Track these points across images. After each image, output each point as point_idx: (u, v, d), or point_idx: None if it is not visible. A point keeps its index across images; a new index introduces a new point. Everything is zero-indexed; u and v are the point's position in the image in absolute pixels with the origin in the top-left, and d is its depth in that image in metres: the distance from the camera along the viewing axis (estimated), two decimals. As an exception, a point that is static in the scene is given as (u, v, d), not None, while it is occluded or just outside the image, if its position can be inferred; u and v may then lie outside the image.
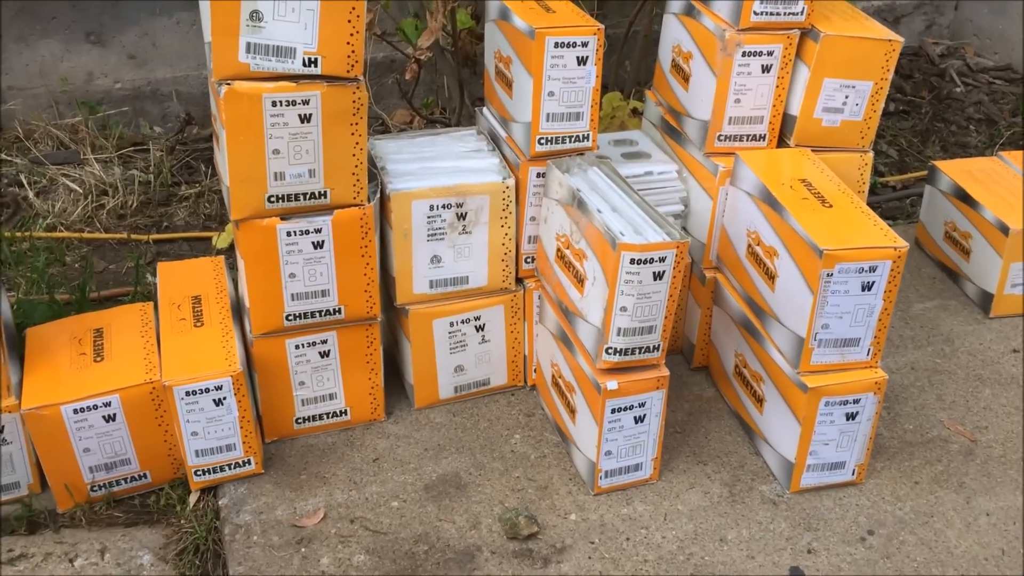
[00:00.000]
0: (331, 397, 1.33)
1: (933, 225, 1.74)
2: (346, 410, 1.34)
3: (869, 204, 2.03)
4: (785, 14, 1.28)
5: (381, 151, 1.34)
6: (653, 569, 1.15)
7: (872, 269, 1.12)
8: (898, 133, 2.40)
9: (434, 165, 1.31)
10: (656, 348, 1.17)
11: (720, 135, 1.36)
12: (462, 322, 1.34)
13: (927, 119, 2.49)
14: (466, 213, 1.27)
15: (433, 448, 1.33)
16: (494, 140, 1.37)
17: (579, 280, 1.19)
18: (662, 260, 1.11)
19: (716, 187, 1.35)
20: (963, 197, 1.63)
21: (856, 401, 1.19)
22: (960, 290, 1.67)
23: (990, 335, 1.56)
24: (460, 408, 1.40)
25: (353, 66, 1.11)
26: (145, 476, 1.25)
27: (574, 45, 1.21)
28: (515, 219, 1.30)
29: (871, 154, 1.39)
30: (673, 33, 1.43)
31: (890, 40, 1.30)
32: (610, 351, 1.15)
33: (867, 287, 1.13)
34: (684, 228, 1.44)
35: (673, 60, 1.44)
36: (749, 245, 1.28)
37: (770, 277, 1.23)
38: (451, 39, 1.77)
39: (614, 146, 1.49)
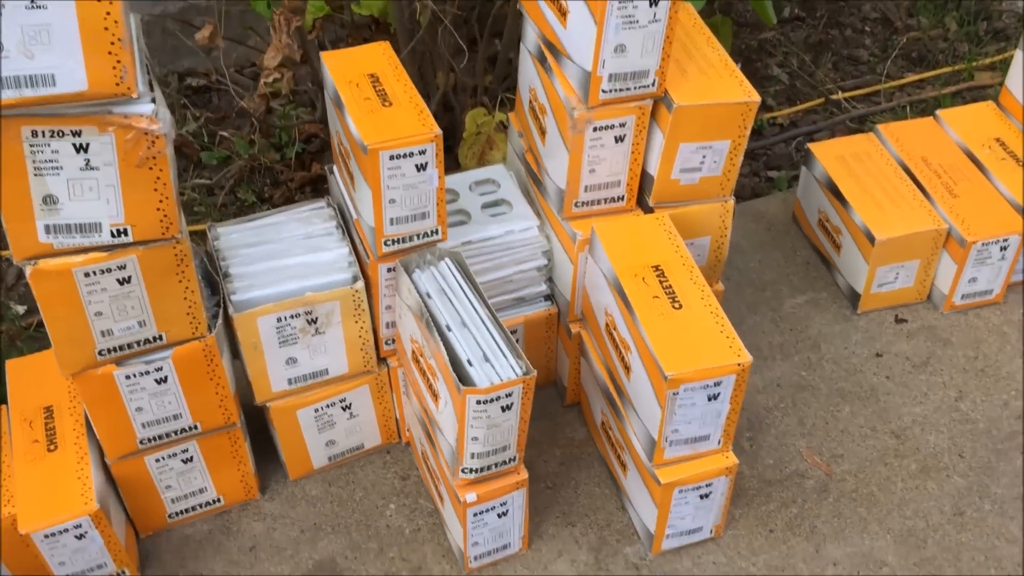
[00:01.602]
0: (201, 491, 1.33)
1: (808, 208, 1.73)
2: (219, 499, 1.36)
3: (755, 149, 2.01)
4: (636, 88, 1.21)
5: (225, 246, 1.28)
6: (520, 661, 1.22)
7: (717, 384, 1.13)
8: (790, 49, 2.33)
9: (280, 264, 1.26)
10: (512, 460, 1.19)
11: (577, 202, 1.31)
12: (327, 406, 1.34)
13: (821, 26, 2.42)
14: (316, 318, 1.24)
15: (310, 529, 1.36)
16: (343, 217, 1.32)
17: (434, 394, 1.19)
18: (509, 395, 1.10)
19: (575, 253, 1.32)
20: (835, 191, 1.62)
21: (708, 485, 1.23)
22: (832, 279, 1.69)
23: (857, 335, 1.60)
24: (336, 475, 1.42)
25: (168, 228, 1.04)
26: (23, 598, 1.27)
27: (411, 155, 1.14)
28: (369, 312, 1.27)
29: (732, 201, 1.36)
30: (529, 73, 1.35)
31: (746, 103, 1.25)
32: (465, 471, 1.17)
33: (713, 397, 1.14)
34: (550, 280, 1.42)
35: (530, 102, 1.37)
36: (607, 325, 1.28)
37: (626, 367, 1.23)
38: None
39: (475, 190, 1.44)
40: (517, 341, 1.43)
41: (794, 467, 1.42)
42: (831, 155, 1.67)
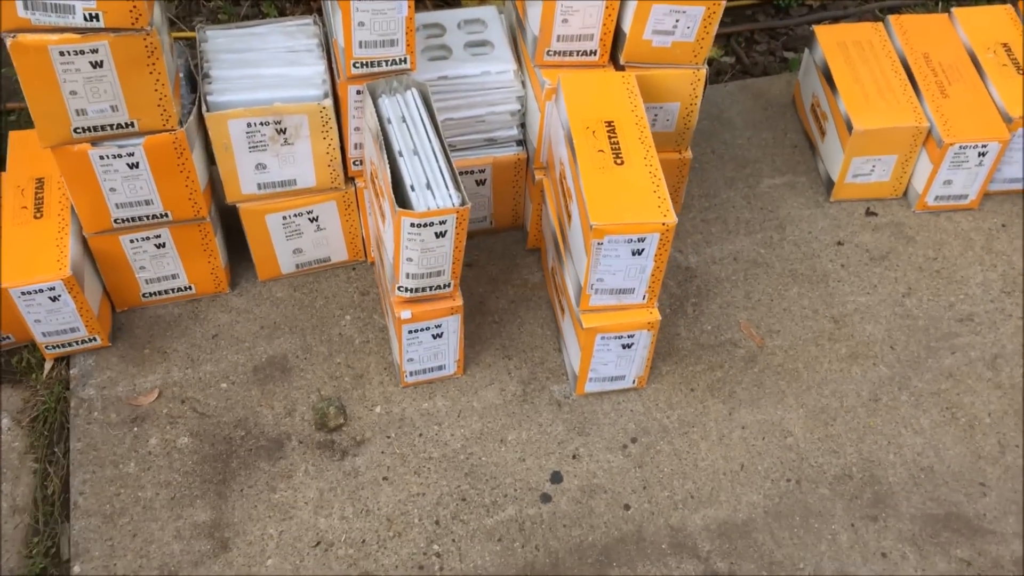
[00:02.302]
0: (173, 277, 1.45)
1: (805, 92, 1.73)
2: (190, 286, 1.47)
3: (778, 28, 1.99)
4: (613, -60, 1.22)
5: (210, 48, 1.34)
6: (435, 467, 1.34)
7: (641, 240, 1.19)
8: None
9: (258, 72, 1.32)
10: (447, 286, 1.27)
11: (549, 51, 1.34)
12: (295, 215, 1.42)
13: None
14: (285, 128, 1.31)
15: (269, 326, 1.47)
16: (327, 36, 1.37)
17: (381, 213, 1.26)
18: (443, 223, 1.17)
19: (543, 101, 1.37)
20: (828, 77, 1.62)
21: (630, 336, 1.31)
22: (814, 165, 1.71)
23: (824, 222, 1.63)
24: (302, 282, 1.52)
25: (138, 19, 1.11)
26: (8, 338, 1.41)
27: (381, -22, 1.18)
28: (338, 130, 1.34)
29: (704, 70, 1.38)
30: (524, -85, 1.36)
31: (724, -31, 1.25)
32: (401, 289, 1.26)
33: (637, 252, 1.20)
34: (522, 125, 1.46)
35: (521, -55, 1.38)
36: (560, 174, 1.33)
37: (568, 215, 1.29)
38: None
39: (462, 28, 1.47)
40: (485, 182, 1.49)
41: (730, 336, 1.49)
42: (833, 40, 1.66)
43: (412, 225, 1.16)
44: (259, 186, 1.37)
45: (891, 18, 1.70)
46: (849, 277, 1.56)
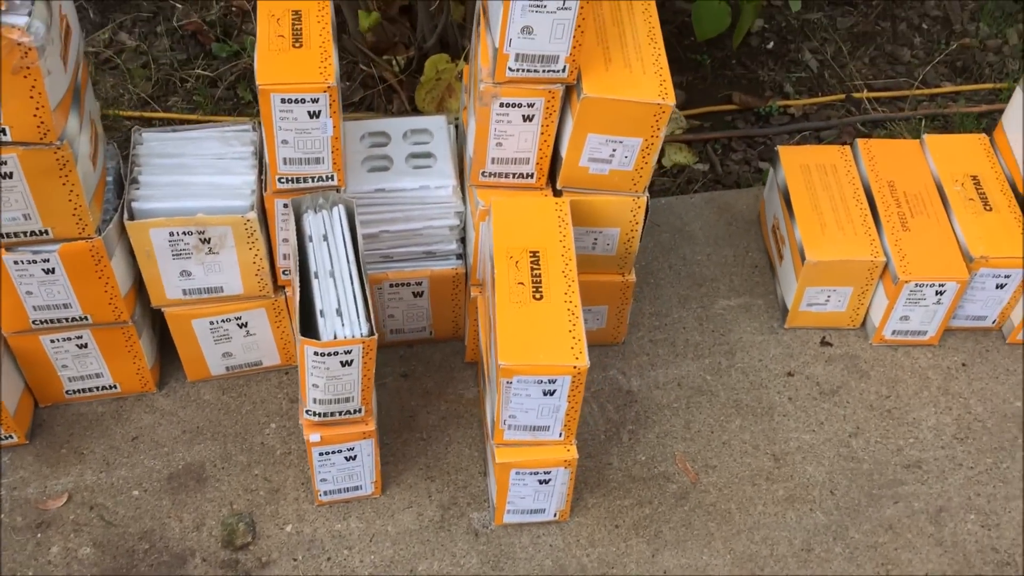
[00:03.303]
0: (97, 376, 1.42)
1: (768, 211, 1.69)
2: (115, 385, 1.44)
3: (757, 136, 1.95)
4: (544, 71, 1.20)
5: (142, 152, 1.33)
6: (339, 595, 1.29)
7: (552, 381, 1.15)
8: (830, 36, 2.23)
9: (187, 179, 1.30)
10: (358, 411, 1.23)
11: (484, 172, 1.32)
12: (223, 321, 1.40)
13: (873, 15, 2.30)
14: (209, 238, 1.29)
15: (191, 431, 1.44)
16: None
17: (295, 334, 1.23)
18: (348, 352, 1.14)
19: (477, 221, 1.34)
20: (787, 201, 1.58)
21: (547, 472, 1.26)
22: (773, 288, 1.66)
23: (776, 350, 1.58)
24: (232, 384, 1.49)
25: (46, 134, 1.09)
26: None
27: (303, 101, 1.16)
28: (265, 240, 1.32)
29: (644, 197, 1.35)
30: (475, 31, 1.35)
31: (659, 104, 1.22)
32: (309, 412, 1.22)
33: (549, 393, 1.16)
34: (462, 240, 1.43)
35: (473, 59, 1.36)
36: (487, 303, 1.29)
37: (488, 345, 1.25)
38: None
39: (408, 138, 1.45)
40: (422, 294, 1.46)
41: (663, 468, 1.43)
42: (796, 162, 1.62)
43: (316, 354, 1.13)
44: (184, 292, 1.35)
45: (859, 142, 1.66)
46: (796, 412, 1.50)
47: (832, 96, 2.11)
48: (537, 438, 1.23)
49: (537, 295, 1.19)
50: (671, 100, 1.23)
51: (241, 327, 1.41)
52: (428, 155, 1.43)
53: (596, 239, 1.39)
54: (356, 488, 1.35)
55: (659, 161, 1.97)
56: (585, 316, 1.47)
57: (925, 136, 1.66)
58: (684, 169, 1.95)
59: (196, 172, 1.32)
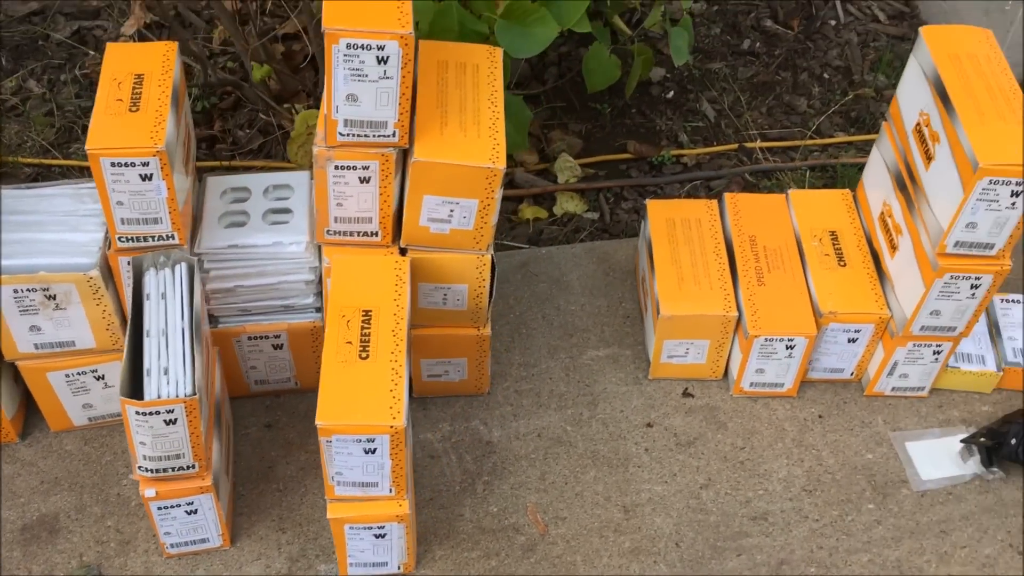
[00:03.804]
0: (-44, 427, 1.44)
1: (640, 263, 1.73)
2: (-26, 435, 1.46)
3: (648, 186, 1.99)
4: (375, 136, 1.24)
5: (-5, 209, 1.36)
6: (178, 647, 1.31)
7: (371, 440, 1.17)
8: (730, 85, 2.28)
9: (35, 237, 1.33)
10: (192, 467, 1.26)
11: (328, 230, 1.35)
12: (78, 374, 1.42)
13: (774, 65, 2.35)
14: (55, 295, 1.31)
15: (50, 481, 1.46)
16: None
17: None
18: (171, 412, 1.17)
19: (325, 278, 1.37)
20: (650, 254, 1.62)
21: (380, 527, 1.28)
22: (642, 339, 1.69)
23: (639, 400, 1.61)
24: (95, 435, 1.51)
25: None
26: None
27: (133, 165, 1.19)
28: (113, 296, 1.34)
29: (489, 255, 1.38)
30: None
31: (489, 168, 1.26)
32: (141, 468, 1.24)
33: (370, 451, 1.19)
34: (320, 293, 1.46)
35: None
36: (326, 354, 1.32)
37: (324, 400, 1.28)
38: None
39: (269, 193, 1.48)
40: (282, 346, 1.49)
41: (514, 520, 1.46)
42: (662, 216, 1.66)
43: (137, 413, 1.16)
44: (36, 346, 1.37)
45: (727, 196, 1.70)
46: (651, 463, 1.53)
47: (726, 146, 2.15)
48: (368, 493, 1.26)
49: (364, 354, 1.22)
50: (502, 164, 1.26)
51: (98, 379, 1.44)
52: (287, 211, 1.46)
53: (446, 295, 1.42)
54: (203, 540, 1.37)
55: (550, 210, 2.00)
56: (446, 368, 1.51)
57: (790, 191, 1.70)
58: (574, 217, 1.98)
59: (46, 229, 1.34)
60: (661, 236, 1.63)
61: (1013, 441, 1.49)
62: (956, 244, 1.36)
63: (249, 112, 2.11)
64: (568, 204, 2.01)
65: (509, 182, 2.05)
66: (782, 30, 2.45)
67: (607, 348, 1.68)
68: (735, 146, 2.15)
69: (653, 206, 1.67)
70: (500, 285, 1.76)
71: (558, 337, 1.69)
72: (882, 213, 1.57)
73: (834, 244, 1.61)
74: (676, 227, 1.64)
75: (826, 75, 2.36)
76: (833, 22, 2.48)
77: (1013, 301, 1.67)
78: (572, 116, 2.19)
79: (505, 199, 2.00)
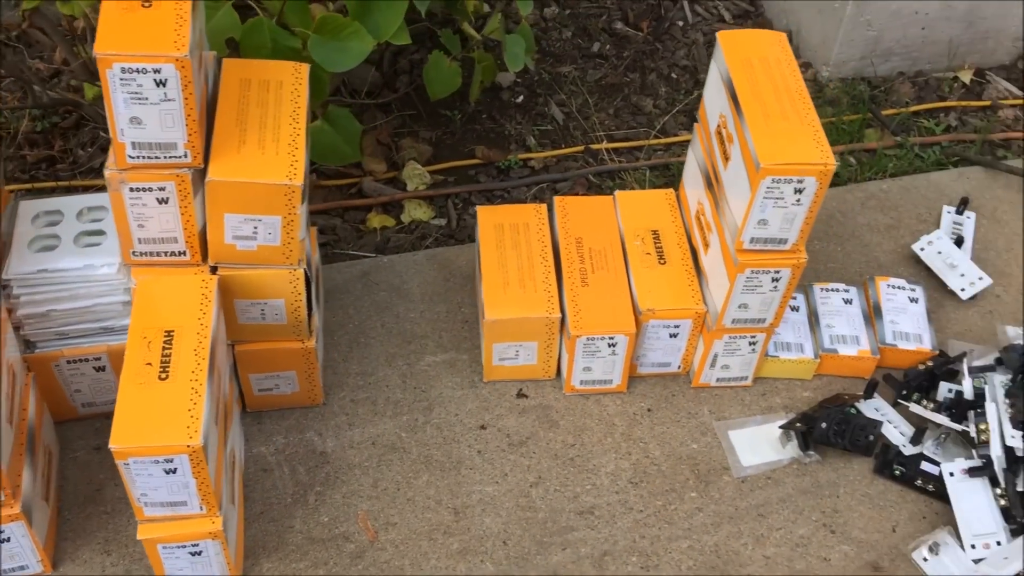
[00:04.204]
0: None
1: (476, 267, 1.75)
2: None
3: (495, 190, 2.02)
4: (166, 157, 1.24)
5: None
6: None
7: (169, 460, 1.18)
8: (579, 88, 2.33)
9: None
10: (-4, 495, 1.25)
11: (134, 251, 1.35)
12: None
13: (623, 67, 2.41)
14: None
15: None
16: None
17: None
18: (-38, 442, 1.16)
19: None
20: (479, 259, 1.65)
21: (195, 545, 1.29)
22: (479, 342, 1.72)
23: (474, 403, 1.64)
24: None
25: None
26: None
27: (-85, 194, 1.18)
28: (-86, 327, 1.32)
29: (301, 270, 1.39)
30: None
31: (287, 185, 1.27)
32: (-57, 500, 1.23)
33: (171, 471, 1.19)
34: (135, 313, 1.46)
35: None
36: (136, 375, 1.32)
37: (132, 422, 1.28)
38: None
39: (84, 216, 1.47)
40: (104, 368, 1.48)
41: (345, 528, 1.47)
42: (491, 221, 1.69)
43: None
44: None
45: (556, 200, 1.74)
46: (483, 464, 1.56)
47: (573, 148, 2.20)
48: (178, 512, 1.26)
49: (163, 375, 1.23)
50: (299, 180, 1.28)
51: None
52: (100, 232, 1.45)
53: (263, 310, 1.43)
54: (22, 568, 1.36)
55: (398, 218, 2.02)
56: (276, 382, 1.52)
57: (616, 192, 1.75)
58: (421, 225, 2.01)
59: None
60: (489, 241, 1.66)
61: (824, 425, 1.56)
62: (752, 240, 1.42)
63: (92, 130, 2.09)
64: (416, 211, 2.03)
65: (357, 192, 2.07)
66: (632, 32, 2.51)
67: (444, 353, 1.71)
68: (582, 148, 2.19)
69: (483, 212, 1.71)
70: (340, 295, 1.78)
71: (396, 345, 1.71)
72: (697, 212, 1.62)
73: (655, 243, 1.66)
74: (504, 232, 1.68)
75: (673, 75, 2.42)
76: (681, 23, 2.55)
77: (832, 290, 1.74)
78: (423, 123, 2.21)
79: (353, 209, 2.02)
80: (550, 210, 1.73)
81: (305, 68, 1.41)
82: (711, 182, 1.54)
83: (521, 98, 2.30)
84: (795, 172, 1.32)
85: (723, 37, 1.49)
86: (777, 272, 1.45)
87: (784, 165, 1.32)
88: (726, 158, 1.46)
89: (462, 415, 1.62)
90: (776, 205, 1.36)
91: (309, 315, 1.46)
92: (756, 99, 1.39)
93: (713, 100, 1.52)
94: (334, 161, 1.83)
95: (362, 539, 1.46)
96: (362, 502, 1.50)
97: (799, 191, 1.34)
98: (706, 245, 1.58)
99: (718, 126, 1.49)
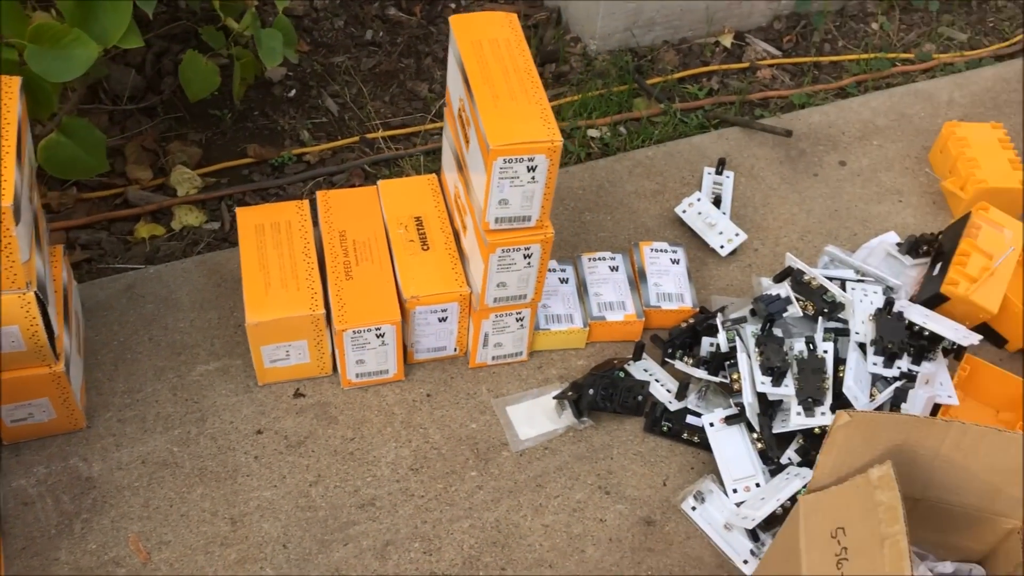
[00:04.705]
0: None
1: (242, 271, 1.72)
2: None
3: (269, 188, 1.98)
4: None
5: None
6: None
7: None
8: (353, 78, 2.31)
9: None
10: None
11: None
12: None
13: (397, 53, 2.40)
14: None
15: None
16: None
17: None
18: None
19: None
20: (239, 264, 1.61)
21: (-62, 594, 1.22)
22: (252, 346, 1.69)
23: (249, 409, 1.61)
24: None
25: None
26: None
27: None
28: None
29: (31, 292, 1.33)
30: None
31: (-4, 206, 1.21)
32: None
33: None
34: None
35: None
36: None
37: None
38: None
39: None
40: None
41: (115, 554, 1.43)
42: (252, 222, 1.66)
43: None
44: None
45: (319, 194, 1.72)
46: (260, 470, 1.54)
47: (349, 139, 2.18)
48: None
49: None
50: (8, 201, 1.22)
51: None
52: None
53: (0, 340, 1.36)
54: None
55: (168, 225, 1.96)
56: (29, 411, 1.45)
57: (380, 182, 1.74)
58: (193, 231, 1.95)
59: None
60: (249, 243, 1.63)
61: (592, 391, 1.61)
62: (496, 220, 1.44)
63: None
64: (187, 217, 1.98)
65: (123, 202, 2.00)
66: (405, 17, 2.51)
67: (217, 361, 1.67)
68: (357, 138, 2.18)
69: (242, 214, 1.67)
70: (103, 312, 1.71)
71: (165, 357, 1.67)
72: (455, 195, 1.64)
73: (419, 229, 1.67)
74: (265, 232, 1.65)
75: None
76: (453, 5, 2.56)
77: (599, 259, 1.80)
78: (190, 126, 2.15)
79: (120, 220, 1.95)
80: (312, 205, 1.71)
81: (16, 81, 1.34)
82: (460, 165, 1.56)
83: (293, 92, 2.27)
84: (525, 151, 1.35)
85: (455, 21, 1.50)
86: (528, 249, 1.49)
87: (513, 145, 1.35)
88: (467, 141, 1.48)
89: (237, 422, 1.59)
90: (513, 184, 1.38)
91: (52, 338, 1.40)
92: (486, 81, 1.41)
93: (453, 84, 1.53)
94: (78, 174, 1.76)
95: (134, 562, 1.42)
96: (133, 524, 1.46)
97: (532, 169, 1.37)
98: (464, 228, 1.60)
99: (459, 110, 1.51)
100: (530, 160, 1.36)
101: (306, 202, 1.72)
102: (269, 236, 1.65)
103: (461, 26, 1.49)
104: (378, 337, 1.57)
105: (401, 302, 1.58)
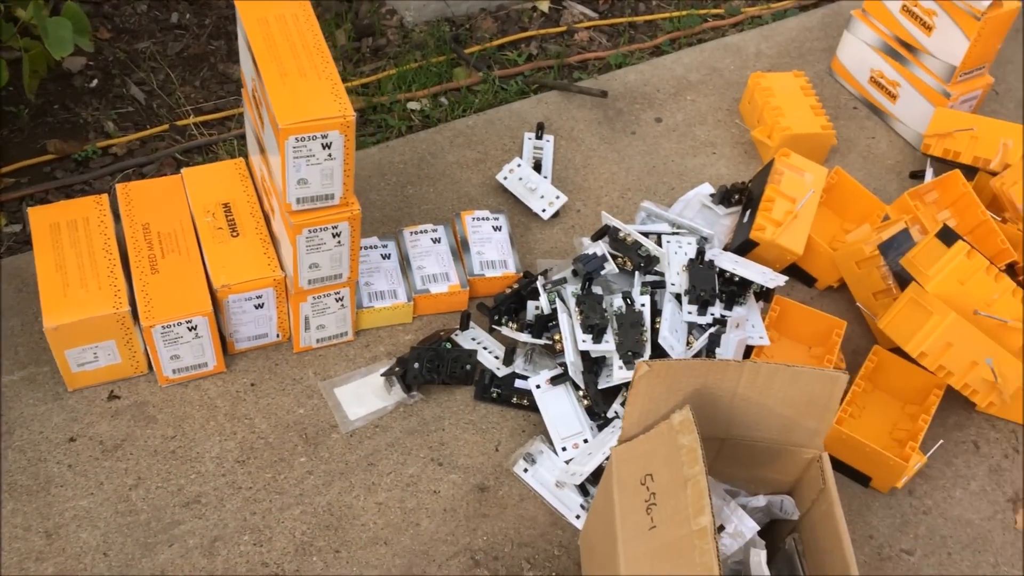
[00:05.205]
0: None
1: (43, 274, 1.63)
2: None
3: (75, 184, 1.88)
4: None
5: None
6: None
7: None
8: (160, 64, 2.21)
9: None
10: None
11: None
12: None
13: (206, 35, 2.32)
14: None
15: None
16: None
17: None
18: None
19: None
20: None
21: None
22: (60, 351, 1.61)
23: (60, 417, 1.54)
24: None
25: None
26: None
27: None
28: None
29: None
30: None
31: None
32: None
33: None
34: None
35: None
36: None
37: None
38: None
39: None
40: None
41: (-82, 583, 1.35)
42: (46, 222, 1.58)
43: None
44: None
45: (119, 187, 1.65)
46: (75, 479, 1.48)
47: (158, 128, 2.09)
48: None
49: None
50: None
51: None
52: None
53: None
54: None
55: (-35, 232, 1.85)
56: None
57: (183, 170, 1.68)
58: (-8, 235, 1.85)
59: None
60: (44, 244, 1.55)
61: (417, 365, 1.60)
62: (298, 201, 1.41)
63: None
64: (-16, 222, 1.86)
65: (-90, 212, 1.87)
66: (213, -2, 2.42)
67: (22, 370, 1.59)
68: (167, 127, 2.10)
69: (35, 213, 1.59)
70: None
71: (-35, 371, 1.57)
72: (262, 178, 1.60)
73: (227, 216, 1.62)
74: (61, 231, 1.57)
75: (265, 37, 2.36)
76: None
77: (420, 232, 1.79)
78: (-17, 124, 2.03)
79: (-92, 230, 1.82)
80: (112, 199, 1.64)
81: None
82: (261, 147, 1.52)
83: (95, 82, 2.16)
84: (317, 128, 1.32)
85: (239, 2, 1.45)
86: (335, 227, 1.46)
87: (304, 123, 1.32)
88: (262, 122, 1.44)
89: (47, 431, 1.52)
90: (310, 163, 1.36)
91: None
92: (274, 60, 1.37)
93: (245, 65, 1.49)
94: None
95: (-58, 590, 1.35)
96: (-62, 550, 1.38)
97: (327, 146, 1.34)
98: (273, 211, 1.56)
99: (252, 90, 1.47)
100: (324, 137, 1.33)
101: (105, 196, 1.65)
102: (66, 235, 1.57)
103: (247, 5, 1.44)
104: (190, 330, 1.52)
105: (212, 292, 1.53)
